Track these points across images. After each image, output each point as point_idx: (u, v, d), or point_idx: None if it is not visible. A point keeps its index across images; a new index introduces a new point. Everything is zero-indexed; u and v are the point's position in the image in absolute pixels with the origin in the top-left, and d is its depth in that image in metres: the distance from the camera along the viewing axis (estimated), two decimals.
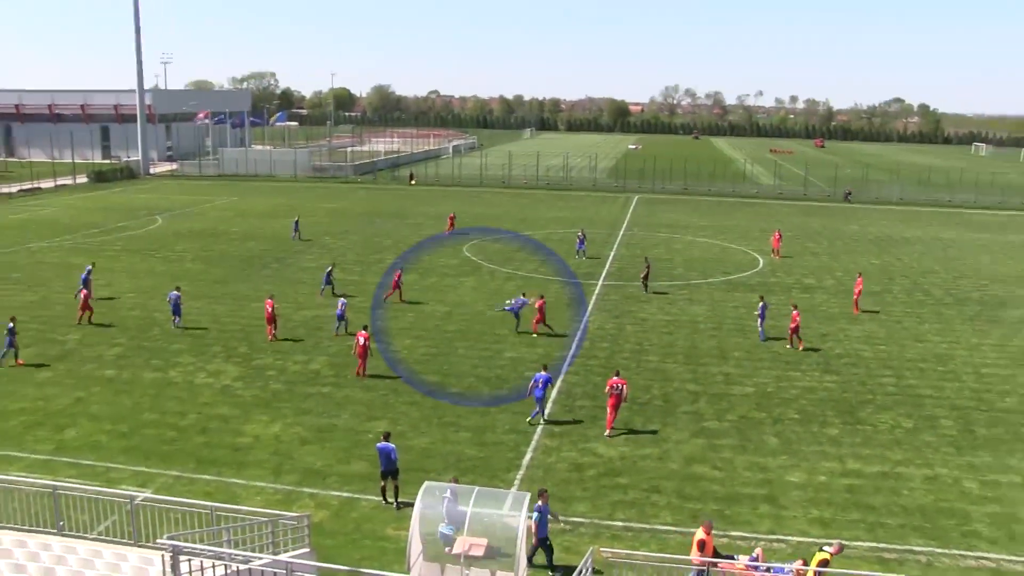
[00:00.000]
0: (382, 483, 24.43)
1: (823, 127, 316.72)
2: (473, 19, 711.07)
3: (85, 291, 42.12)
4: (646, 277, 50.87)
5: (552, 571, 20.73)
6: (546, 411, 30.88)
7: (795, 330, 39.97)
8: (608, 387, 30.02)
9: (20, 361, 35.59)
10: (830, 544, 18.95)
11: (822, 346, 40.45)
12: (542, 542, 20.71)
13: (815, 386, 35.05)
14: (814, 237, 73.70)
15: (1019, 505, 25.25)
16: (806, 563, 18.72)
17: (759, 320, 41.32)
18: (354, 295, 47.75)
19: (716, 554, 19.14)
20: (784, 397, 33.68)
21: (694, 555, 18.53)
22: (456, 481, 21.77)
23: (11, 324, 35.69)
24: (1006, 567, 22.00)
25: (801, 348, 39.81)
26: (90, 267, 46.74)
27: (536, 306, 41.24)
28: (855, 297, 47.29)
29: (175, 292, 41.79)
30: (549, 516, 20.90)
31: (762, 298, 42.55)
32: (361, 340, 34.62)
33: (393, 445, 24.14)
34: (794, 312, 40.53)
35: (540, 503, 20.64)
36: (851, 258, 63.68)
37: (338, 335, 40.11)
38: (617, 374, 30.61)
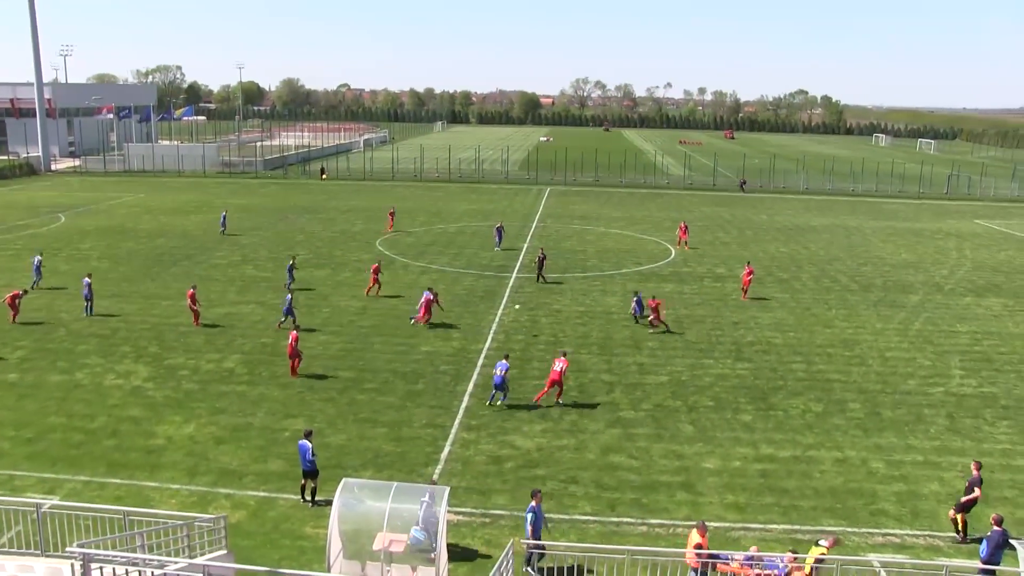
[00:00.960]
0: (303, 481, 24.17)
1: (731, 118, 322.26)
2: (383, 12, 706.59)
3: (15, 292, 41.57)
4: (541, 267, 51.37)
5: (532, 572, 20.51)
6: (506, 395, 31.74)
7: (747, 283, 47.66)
8: (554, 363, 32.03)
9: None
10: (825, 538, 19.17)
11: (734, 334, 41.20)
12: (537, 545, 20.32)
13: (728, 373, 35.70)
14: (724, 227, 74.99)
15: (922, 483, 26.15)
16: (795, 551, 18.89)
17: (635, 309, 42.73)
18: (268, 292, 47.13)
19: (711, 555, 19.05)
20: (698, 385, 34.23)
21: (691, 558, 18.53)
22: (434, 483, 21.55)
23: None
24: (910, 541, 22.85)
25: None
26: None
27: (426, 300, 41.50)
28: (744, 285, 48.49)
29: (87, 279, 42.24)
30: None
31: (636, 293, 44.16)
32: (290, 339, 34.30)
33: (309, 444, 23.91)
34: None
35: (533, 503, 20.50)
36: (760, 247, 64.99)
37: (281, 328, 39.90)
38: (564, 354, 32.68)
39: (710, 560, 18.56)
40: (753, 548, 20.25)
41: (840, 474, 26.67)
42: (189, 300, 40.77)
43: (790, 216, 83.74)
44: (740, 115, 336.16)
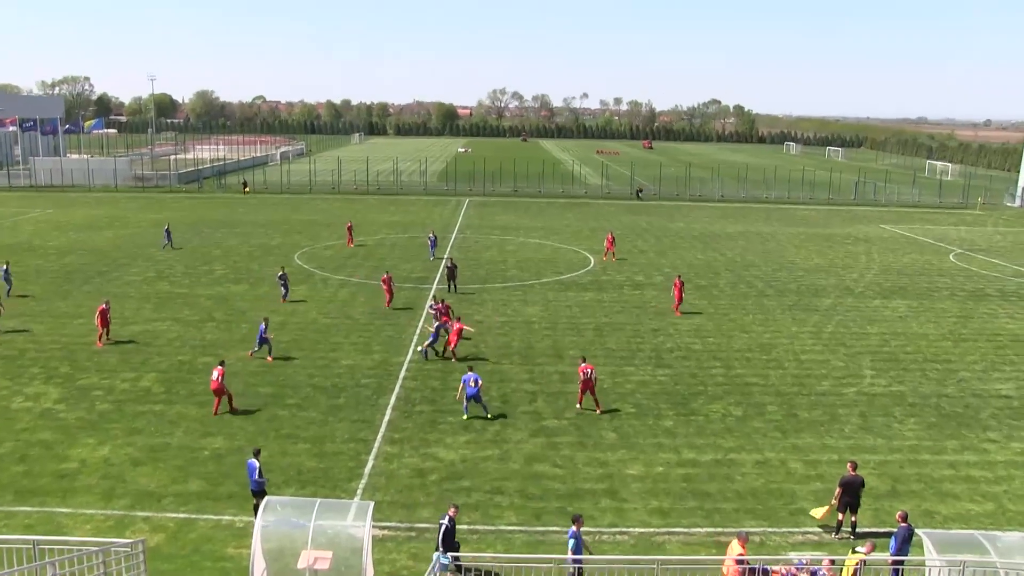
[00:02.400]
0: (255, 501, 23.47)
1: (646, 128, 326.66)
2: (298, 23, 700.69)
3: None
4: (452, 276, 51.56)
5: None
6: (487, 405, 31.86)
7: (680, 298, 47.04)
8: (580, 373, 32.17)
9: None
10: (863, 544, 19.53)
11: (654, 341, 41.66)
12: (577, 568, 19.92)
13: (649, 380, 36.08)
14: (642, 235, 75.91)
15: (837, 480, 26.65)
16: (833, 562, 18.97)
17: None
18: (185, 308, 46.29)
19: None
20: (619, 392, 34.52)
21: (731, 569, 18.42)
22: (457, 510, 21.35)
23: None
24: (827, 539, 23.35)
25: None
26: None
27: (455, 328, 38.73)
28: (677, 300, 47.38)
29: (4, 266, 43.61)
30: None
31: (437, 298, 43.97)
32: (215, 375, 31.50)
33: (257, 464, 23.54)
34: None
35: (575, 528, 20.04)
36: (677, 254, 65.91)
37: (253, 356, 38.28)
38: (584, 360, 32.79)
39: (749, 568, 18.51)
40: (803, 557, 20.23)
41: (760, 475, 27.14)
42: (99, 317, 39.60)
43: (706, 223, 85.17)
44: (655, 125, 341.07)
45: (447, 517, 20.76)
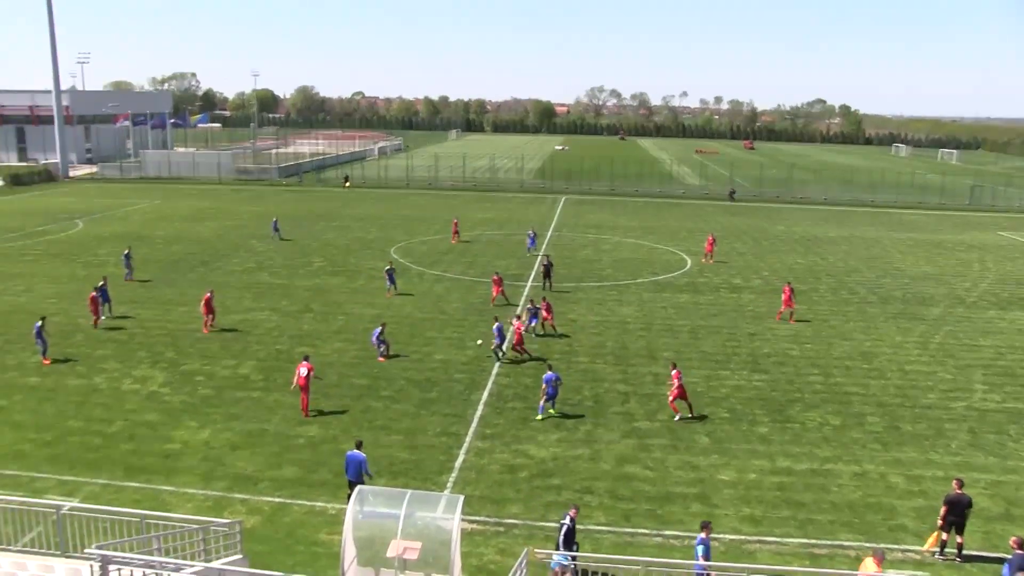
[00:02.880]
0: (349, 491, 23.81)
1: (747, 128, 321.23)
2: (398, 19, 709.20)
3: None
4: (548, 274, 51.54)
5: None
6: (554, 404, 31.88)
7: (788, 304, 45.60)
8: (674, 379, 31.96)
9: (46, 360, 35.69)
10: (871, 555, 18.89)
11: (751, 345, 41.04)
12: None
13: (744, 385, 35.54)
14: (740, 237, 74.79)
15: (941, 498, 25.82)
16: None
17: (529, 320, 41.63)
18: (283, 299, 47.28)
19: None
20: (714, 396, 34.09)
21: None
22: (577, 510, 21.11)
23: (39, 323, 35.62)
24: (929, 559, 22.53)
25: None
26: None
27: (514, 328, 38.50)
28: (785, 306, 45.84)
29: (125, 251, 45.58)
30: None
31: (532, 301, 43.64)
32: (304, 371, 31.08)
33: (363, 455, 23.83)
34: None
35: (703, 535, 19.82)
36: (777, 258, 64.77)
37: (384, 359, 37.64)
38: (675, 366, 32.53)
39: None
40: (891, 572, 19.57)
41: (858, 488, 26.46)
42: (204, 305, 40.94)
43: (808, 227, 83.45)
44: (757, 124, 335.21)
45: (568, 517, 20.41)
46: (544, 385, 31.44)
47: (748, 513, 24.66)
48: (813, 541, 23.21)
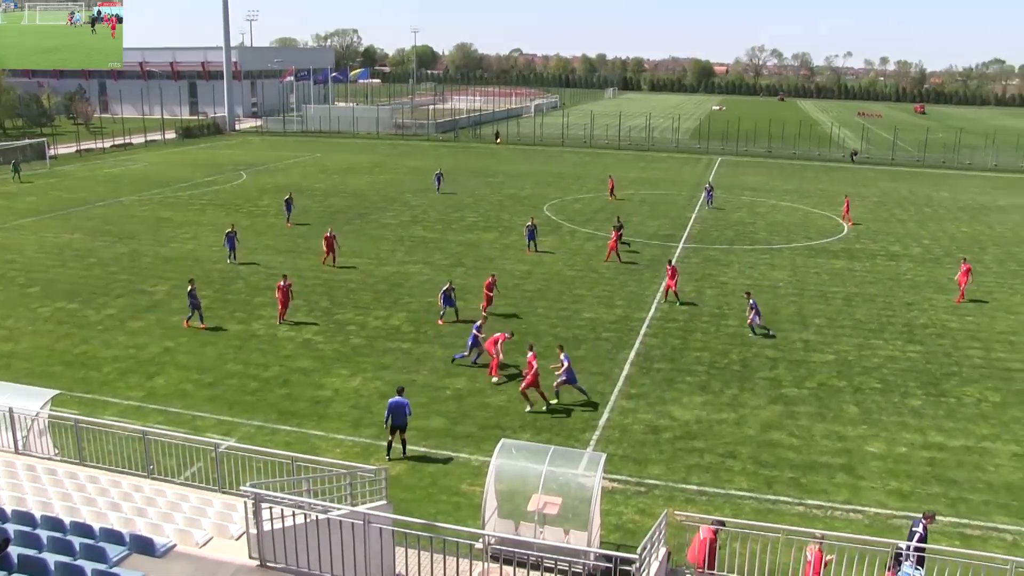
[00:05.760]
0: (390, 438, 24.63)
1: (915, 90, 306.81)
2: None
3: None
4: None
5: None
6: (583, 388, 29.62)
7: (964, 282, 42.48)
8: None
9: (202, 325, 35.20)
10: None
11: (907, 315, 39.59)
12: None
13: (898, 355, 34.36)
14: (901, 204, 71.82)
15: None
16: None
17: (752, 314, 36.69)
18: (436, 252, 48.18)
19: None
20: (865, 366, 33.09)
21: None
22: (931, 519, 18.82)
23: (191, 287, 35.73)
24: None
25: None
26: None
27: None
28: (961, 285, 42.80)
29: (230, 231, 45.56)
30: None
31: (748, 294, 37.87)
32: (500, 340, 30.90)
33: (407, 400, 24.46)
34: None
35: (924, 524, 18.40)
36: (939, 225, 62.01)
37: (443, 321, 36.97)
38: (531, 348, 29.60)
39: None
40: None
41: (1018, 469, 25.23)
42: (324, 243, 44.58)
43: (975, 194, 79.39)
44: (925, 86, 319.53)
45: (921, 524, 18.37)
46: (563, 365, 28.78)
47: (896, 487, 23.95)
48: (965, 521, 22.37)
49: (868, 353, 34.50)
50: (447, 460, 24.78)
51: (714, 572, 17.42)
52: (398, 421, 24.37)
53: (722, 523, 17.91)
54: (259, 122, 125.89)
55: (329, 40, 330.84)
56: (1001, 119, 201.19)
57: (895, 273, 47.32)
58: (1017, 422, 28.43)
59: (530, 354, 28.79)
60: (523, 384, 28.41)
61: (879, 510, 22.68)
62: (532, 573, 14.59)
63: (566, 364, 28.54)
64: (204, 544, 15.29)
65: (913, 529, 18.38)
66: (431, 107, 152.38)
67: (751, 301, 36.78)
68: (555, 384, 28.78)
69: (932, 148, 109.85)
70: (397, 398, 24.45)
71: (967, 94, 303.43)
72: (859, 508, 22.79)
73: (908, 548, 17.32)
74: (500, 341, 30.69)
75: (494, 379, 30.52)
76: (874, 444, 26.51)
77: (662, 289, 41.01)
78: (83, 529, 14.75)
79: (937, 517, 21.84)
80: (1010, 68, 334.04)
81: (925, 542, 17.82)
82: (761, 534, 18.21)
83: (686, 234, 55.53)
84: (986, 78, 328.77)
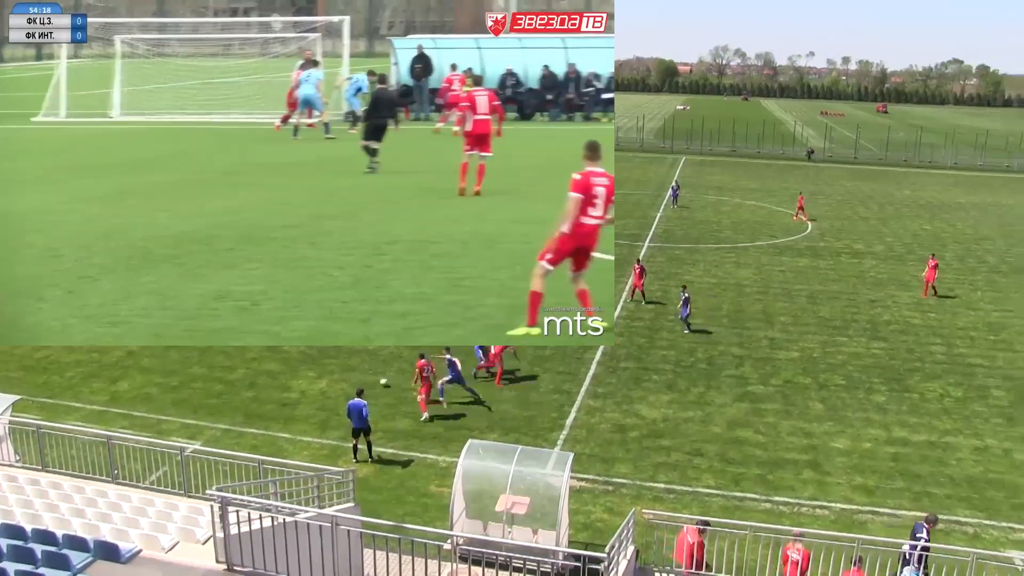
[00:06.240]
0: (354, 441, 24.55)
1: (876, 89, 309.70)
2: None
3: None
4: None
5: None
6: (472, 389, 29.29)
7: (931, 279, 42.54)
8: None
9: None
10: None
11: (871, 312, 40.01)
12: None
13: (862, 352, 34.72)
14: (864, 202, 72.56)
15: None
16: None
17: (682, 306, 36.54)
18: None
19: None
20: (830, 363, 33.41)
21: None
22: (933, 523, 18.93)
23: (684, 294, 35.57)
24: None
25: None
26: None
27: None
28: (927, 280, 43.06)
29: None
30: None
31: (684, 287, 38.14)
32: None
33: (365, 402, 24.33)
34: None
35: (926, 529, 18.57)
36: (901, 223, 62.70)
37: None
38: (422, 356, 28.15)
39: None
40: (1013, 552, 18.59)
41: (979, 463, 25.63)
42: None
43: (935, 192, 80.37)
44: (886, 86, 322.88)
45: (924, 529, 18.58)
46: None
47: (861, 483, 24.21)
48: (928, 515, 22.60)
49: (833, 350, 34.82)
50: (414, 462, 24.74)
51: (701, 573, 17.46)
52: (357, 423, 24.27)
53: (707, 523, 17.99)
54: None
55: None
56: (960, 118, 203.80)
57: (859, 270, 47.80)
58: (978, 416, 28.85)
59: (421, 361, 27.42)
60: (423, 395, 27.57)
61: (845, 505, 22.92)
62: (501, 573, 14.59)
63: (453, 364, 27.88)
64: (170, 549, 15.13)
65: (917, 535, 18.51)
66: None
67: (685, 295, 36.61)
68: (439, 383, 28.00)
69: (894, 147, 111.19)
70: (356, 399, 24.39)
71: (927, 93, 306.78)
72: (825, 504, 23.02)
73: (912, 551, 17.50)
74: (499, 352, 30.62)
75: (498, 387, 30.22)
76: (839, 440, 26.77)
77: (628, 288, 41.11)
78: (45, 536, 14.54)
79: (900, 512, 22.18)
80: (968, 68, 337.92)
81: (927, 547, 17.77)
82: (729, 532, 18.27)
83: (651, 233, 55.76)
84: (945, 78, 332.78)
